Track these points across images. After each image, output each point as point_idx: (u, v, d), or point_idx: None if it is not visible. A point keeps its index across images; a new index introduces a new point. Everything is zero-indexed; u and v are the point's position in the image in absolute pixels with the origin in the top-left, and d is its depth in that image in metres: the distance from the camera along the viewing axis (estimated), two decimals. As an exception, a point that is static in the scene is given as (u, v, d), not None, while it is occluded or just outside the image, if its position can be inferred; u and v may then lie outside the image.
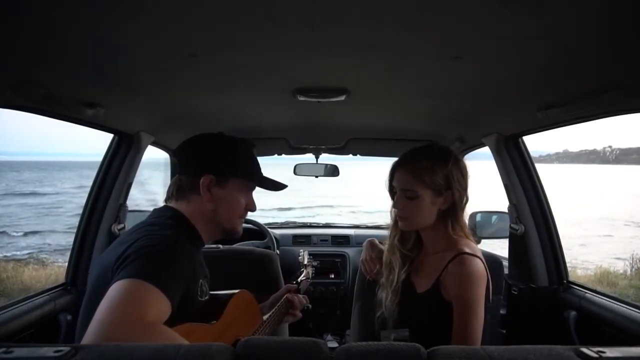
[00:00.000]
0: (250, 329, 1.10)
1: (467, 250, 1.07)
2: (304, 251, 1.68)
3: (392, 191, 1.18)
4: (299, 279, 1.46)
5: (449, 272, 1.06)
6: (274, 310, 1.23)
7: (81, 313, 0.90)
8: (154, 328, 0.73)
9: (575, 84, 1.06)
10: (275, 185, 1.10)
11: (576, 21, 0.74)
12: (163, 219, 0.96)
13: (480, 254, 1.09)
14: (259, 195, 1.07)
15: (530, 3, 0.68)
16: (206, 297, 0.99)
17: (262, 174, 1.09)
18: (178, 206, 1.00)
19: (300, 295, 1.36)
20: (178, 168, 1.06)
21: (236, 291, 1.07)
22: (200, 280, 0.96)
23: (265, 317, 1.17)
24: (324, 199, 20.56)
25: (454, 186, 1.10)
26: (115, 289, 0.75)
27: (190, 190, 1.00)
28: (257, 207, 1.09)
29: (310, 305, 2.55)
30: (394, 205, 1.17)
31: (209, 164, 1.01)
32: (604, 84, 1.00)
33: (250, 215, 1.24)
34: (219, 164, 1.01)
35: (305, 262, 1.60)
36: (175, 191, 1.02)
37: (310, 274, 1.57)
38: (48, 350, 0.52)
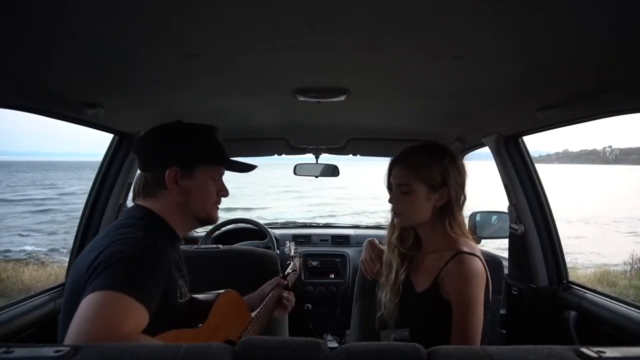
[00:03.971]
0: (239, 328, 1.08)
1: (466, 249, 1.07)
2: (290, 242, 1.68)
3: (390, 188, 1.18)
4: (286, 272, 1.45)
5: (448, 272, 1.06)
6: (262, 306, 1.21)
7: (60, 321, 0.87)
8: (129, 339, 0.71)
9: (575, 84, 1.06)
10: (243, 167, 1.08)
11: (576, 21, 0.74)
12: (134, 219, 0.93)
13: (479, 253, 1.09)
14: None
15: (530, 3, 0.68)
16: (186, 298, 0.96)
17: (228, 157, 1.05)
18: (148, 204, 0.97)
19: (287, 294, 1.35)
20: (140, 165, 1.02)
21: (221, 291, 1.04)
22: (179, 282, 0.94)
23: (253, 315, 1.15)
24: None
25: (450, 183, 1.10)
26: (87, 303, 0.73)
27: (157, 186, 0.96)
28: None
29: (310, 305, 2.56)
30: (390, 200, 1.17)
31: (171, 156, 0.97)
32: (604, 84, 1.00)
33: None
34: (182, 154, 0.97)
35: (292, 254, 1.60)
36: (142, 189, 0.98)
37: (297, 266, 1.57)
38: (48, 350, 0.51)
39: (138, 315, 0.75)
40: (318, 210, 18.61)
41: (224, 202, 1.07)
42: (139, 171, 1.03)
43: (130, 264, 0.80)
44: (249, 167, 1.09)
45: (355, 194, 22.97)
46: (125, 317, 0.73)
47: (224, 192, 1.05)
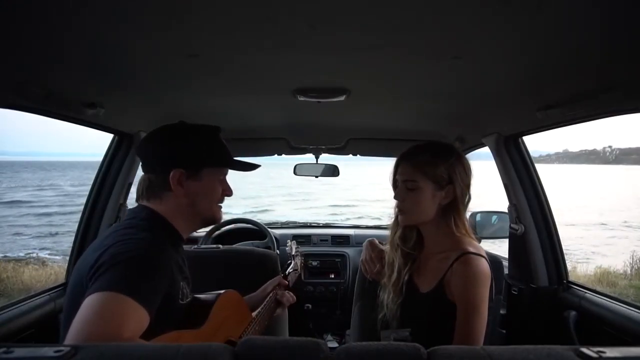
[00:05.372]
0: (240, 328, 1.08)
1: (472, 249, 1.07)
2: (291, 241, 1.68)
3: (396, 185, 1.18)
4: (287, 271, 1.44)
5: (454, 272, 1.06)
6: (263, 305, 1.20)
7: (62, 320, 0.87)
8: (129, 342, 0.71)
9: (575, 84, 1.06)
10: (247, 167, 1.07)
11: (576, 21, 0.74)
12: (138, 220, 0.93)
13: (484, 254, 1.09)
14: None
15: (530, 3, 0.68)
16: (187, 300, 0.96)
17: (232, 157, 1.05)
18: (152, 205, 0.96)
19: (288, 294, 1.34)
20: (143, 167, 1.01)
21: (222, 292, 1.04)
22: (181, 283, 0.93)
23: (254, 315, 1.15)
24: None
25: (456, 181, 1.10)
26: (89, 303, 0.73)
27: (161, 188, 0.95)
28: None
29: (310, 305, 2.56)
30: (395, 197, 1.17)
31: (176, 158, 0.96)
32: (604, 84, 1.00)
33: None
34: (188, 156, 0.97)
35: (293, 253, 1.59)
36: (145, 190, 0.97)
37: (298, 265, 1.56)
38: (48, 350, 0.52)
39: (139, 317, 0.75)
40: (328, 210, 18.51)
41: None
42: (141, 172, 1.03)
43: (132, 265, 0.79)
44: (252, 167, 1.09)
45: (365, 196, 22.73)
46: (126, 319, 0.73)
47: (228, 192, 1.05)
